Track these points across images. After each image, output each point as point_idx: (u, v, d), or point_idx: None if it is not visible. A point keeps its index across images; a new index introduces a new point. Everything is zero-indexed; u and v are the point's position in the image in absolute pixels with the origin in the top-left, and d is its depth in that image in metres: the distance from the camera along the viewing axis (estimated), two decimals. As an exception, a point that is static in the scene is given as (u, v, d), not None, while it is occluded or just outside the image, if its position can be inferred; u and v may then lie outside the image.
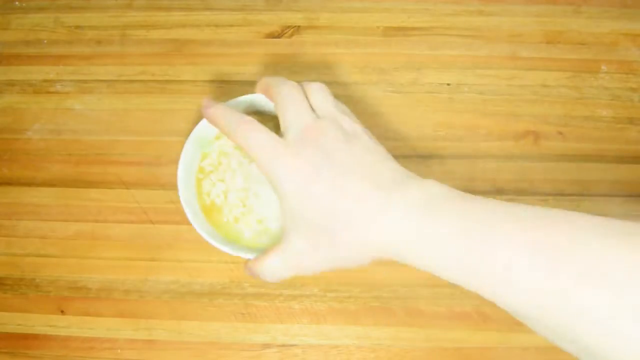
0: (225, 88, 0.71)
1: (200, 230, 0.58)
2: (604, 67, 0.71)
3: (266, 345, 0.62)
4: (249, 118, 0.50)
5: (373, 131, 0.68)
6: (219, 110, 0.51)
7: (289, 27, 0.75)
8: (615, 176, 0.66)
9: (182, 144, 0.59)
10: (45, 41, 0.75)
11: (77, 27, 0.76)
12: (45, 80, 0.73)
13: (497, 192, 0.66)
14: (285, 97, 0.51)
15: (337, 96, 0.70)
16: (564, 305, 0.34)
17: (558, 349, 0.43)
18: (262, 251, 0.53)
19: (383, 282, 0.63)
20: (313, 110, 0.51)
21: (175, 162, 0.59)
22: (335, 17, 0.75)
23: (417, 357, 0.61)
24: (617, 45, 0.72)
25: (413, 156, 0.68)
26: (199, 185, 0.63)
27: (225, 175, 0.63)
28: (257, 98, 0.61)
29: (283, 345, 0.62)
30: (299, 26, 0.75)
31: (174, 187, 0.58)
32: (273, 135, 0.48)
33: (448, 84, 0.71)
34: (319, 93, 0.52)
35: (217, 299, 0.63)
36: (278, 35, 0.74)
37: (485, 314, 0.61)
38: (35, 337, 0.62)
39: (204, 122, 0.62)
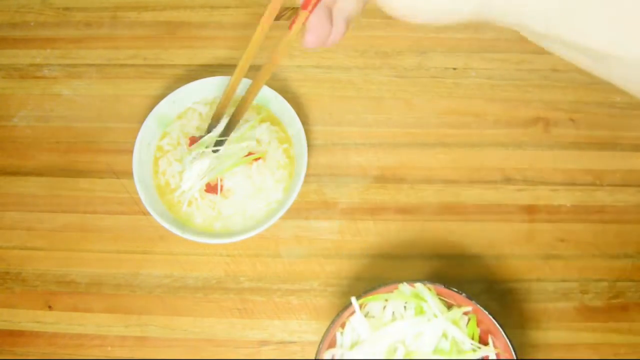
0: (222, 73, 0.68)
1: (150, 208, 0.58)
2: (618, 51, 0.68)
3: (263, 342, 0.59)
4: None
5: (375, 118, 0.66)
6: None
7: (287, 8, 0.72)
8: (630, 165, 0.63)
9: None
10: (32, 23, 0.73)
11: (66, 8, 0.73)
12: (32, 65, 0.70)
13: (505, 181, 0.63)
14: None
15: (338, 80, 0.68)
16: None
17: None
18: None
19: (386, 275, 0.60)
20: None
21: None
22: (336, -2, 0.72)
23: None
24: (632, 28, 0.69)
25: (417, 144, 0.65)
26: (155, 164, 0.63)
27: (183, 156, 0.62)
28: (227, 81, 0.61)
29: (281, 342, 0.59)
30: (298, 7, 0.71)
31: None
32: None
33: (454, 69, 0.68)
34: None
35: (212, 293, 0.61)
36: (276, 17, 0.71)
37: (492, 309, 0.59)
38: (21, 333, 0.60)
39: (167, 100, 0.62)
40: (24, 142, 0.67)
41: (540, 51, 0.67)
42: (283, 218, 0.58)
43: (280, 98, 0.62)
